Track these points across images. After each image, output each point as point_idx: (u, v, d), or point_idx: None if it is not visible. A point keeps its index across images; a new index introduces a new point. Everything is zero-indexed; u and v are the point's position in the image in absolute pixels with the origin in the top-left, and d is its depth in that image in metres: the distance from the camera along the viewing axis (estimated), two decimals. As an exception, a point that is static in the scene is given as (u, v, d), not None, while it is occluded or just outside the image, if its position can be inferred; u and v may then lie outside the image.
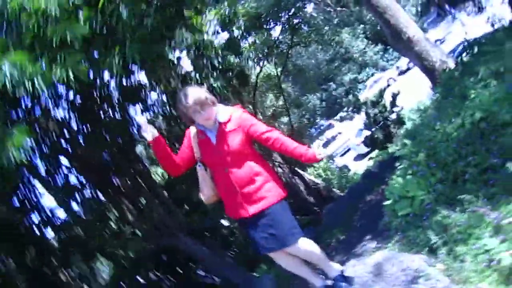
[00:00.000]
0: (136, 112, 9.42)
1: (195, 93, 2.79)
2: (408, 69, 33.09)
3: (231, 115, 2.88)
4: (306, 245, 2.93)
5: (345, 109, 20.15)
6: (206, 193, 2.98)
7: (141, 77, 8.69)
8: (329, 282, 3.07)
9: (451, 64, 10.44)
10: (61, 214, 8.03)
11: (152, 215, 8.03)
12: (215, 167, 2.91)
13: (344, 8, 41.70)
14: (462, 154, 3.39)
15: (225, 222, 10.75)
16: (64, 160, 8.17)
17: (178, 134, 8.25)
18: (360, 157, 24.67)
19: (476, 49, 6.06)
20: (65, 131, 7.82)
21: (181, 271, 9.65)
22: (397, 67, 36.43)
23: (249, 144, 2.90)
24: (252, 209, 2.81)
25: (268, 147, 2.93)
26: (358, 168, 20.23)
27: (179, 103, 2.86)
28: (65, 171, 8.14)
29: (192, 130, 2.96)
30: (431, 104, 6.63)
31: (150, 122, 3.00)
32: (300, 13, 12.82)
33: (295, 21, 12.23)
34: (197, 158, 2.93)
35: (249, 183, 2.82)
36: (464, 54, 7.33)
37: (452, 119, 3.88)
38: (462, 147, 3.43)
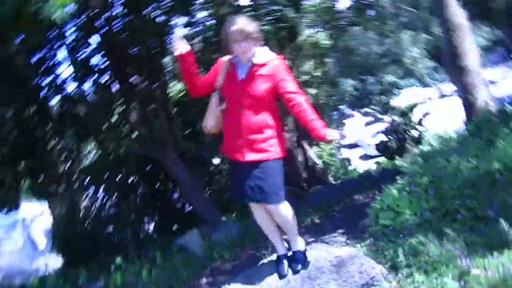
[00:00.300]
0: (177, 24, 9.37)
1: (242, 23, 2.75)
2: (449, 95, 32.46)
3: (269, 60, 2.84)
4: (286, 211, 2.99)
5: (373, 106, 19.80)
6: (209, 122, 2.98)
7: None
8: (289, 254, 3.15)
9: (493, 108, 10.23)
10: (70, 88, 8.15)
11: (154, 125, 8.10)
12: (231, 103, 2.88)
13: (415, 10, 40.44)
14: (463, 194, 3.38)
15: (215, 160, 10.88)
16: (93, 40, 8.19)
17: (210, 62, 8.22)
18: (366, 157, 24.59)
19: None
20: (106, 12, 7.78)
21: (159, 187, 9.85)
22: (439, 89, 35.66)
23: (273, 96, 2.87)
24: (249, 157, 2.83)
25: (287, 108, 2.89)
26: (360, 166, 20.24)
27: (224, 28, 2.82)
28: (90, 51, 8.20)
29: (225, 59, 2.94)
30: (457, 137, 6.54)
31: (186, 38, 2.93)
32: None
33: (365, 1, 11.78)
34: (216, 87, 2.92)
35: (256, 132, 2.82)
36: (509, 105, 7.13)
37: (470, 159, 3.84)
38: (467, 187, 3.41)
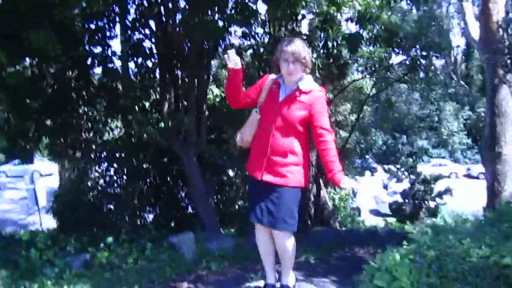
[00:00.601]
0: (236, 33, 9.52)
1: (298, 45, 2.77)
2: (476, 177, 31.93)
3: (312, 89, 2.85)
4: (290, 241, 2.96)
5: (398, 166, 19.58)
6: (244, 136, 2.99)
7: (261, 7, 8.70)
8: (277, 285, 3.10)
9: (518, 203, 9.98)
10: (115, 63, 8.34)
11: (183, 120, 8.18)
12: (265, 121, 2.89)
13: (465, 86, 40.14)
14: (467, 279, 3.28)
15: (230, 172, 10.89)
16: (150, 25, 8.38)
17: (254, 77, 8.31)
18: (376, 213, 24.27)
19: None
20: (169, 2, 7.97)
21: (169, 181, 9.89)
22: (468, 169, 35.15)
23: (305, 125, 2.87)
24: (266, 177, 2.83)
25: (315, 141, 2.88)
26: (368, 220, 19.95)
27: (279, 45, 2.85)
28: (143, 34, 8.40)
29: (271, 77, 2.96)
30: (474, 221, 6.37)
31: (238, 53, 2.97)
32: (426, 59, 12.35)
33: (420, 61, 11.74)
34: (258, 103, 2.94)
35: (280, 154, 2.82)
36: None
37: (483, 247, 3.73)
38: (472, 274, 3.30)
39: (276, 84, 2.90)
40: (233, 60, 2.75)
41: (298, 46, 2.75)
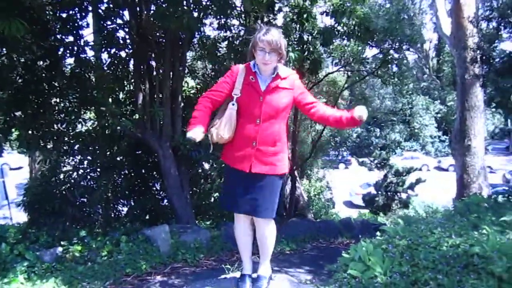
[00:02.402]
0: (211, 24, 9.44)
1: (275, 35, 2.77)
2: (446, 170, 32.74)
3: (289, 75, 2.90)
4: (272, 228, 3.01)
5: (371, 158, 19.90)
6: (223, 133, 2.83)
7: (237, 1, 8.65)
8: (254, 275, 3.12)
9: (485, 194, 10.30)
10: (88, 53, 8.16)
11: (157, 112, 8.08)
12: (248, 114, 2.82)
13: (437, 80, 40.95)
14: (437, 267, 3.37)
15: (206, 165, 10.84)
16: (124, 15, 8.24)
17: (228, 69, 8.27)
18: (350, 205, 24.64)
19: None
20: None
21: (144, 173, 9.78)
22: (439, 161, 35.98)
23: (289, 110, 2.94)
24: (257, 169, 2.83)
25: (310, 116, 2.94)
26: (342, 211, 20.24)
27: (256, 33, 2.84)
28: (117, 24, 8.25)
29: (241, 67, 2.92)
30: (444, 211, 6.55)
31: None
32: (399, 53, 12.53)
33: (393, 55, 11.91)
34: (233, 95, 2.86)
35: (270, 144, 2.83)
36: (501, 196, 7.17)
37: (453, 236, 3.84)
38: (442, 262, 3.40)
39: (251, 75, 2.86)
40: (197, 137, 2.72)
41: (275, 36, 2.75)
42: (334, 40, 9.81)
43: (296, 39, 9.20)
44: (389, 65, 12.74)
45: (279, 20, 9.93)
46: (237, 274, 3.28)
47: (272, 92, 2.82)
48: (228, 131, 2.83)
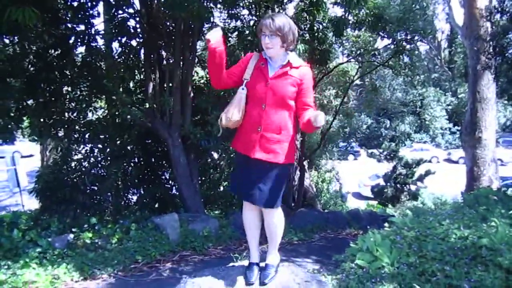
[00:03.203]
0: (221, 14, 9.42)
1: (276, 19, 2.73)
2: (456, 162, 32.54)
3: (301, 65, 2.87)
4: (279, 218, 3.02)
5: (381, 150, 19.81)
6: (233, 117, 2.86)
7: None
8: (262, 264, 3.15)
9: (495, 187, 10.24)
10: (99, 42, 8.20)
11: (167, 102, 8.12)
12: (256, 99, 2.86)
13: (448, 71, 40.50)
14: (445, 259, 3.38)
15: (215, 155, 10.90)
16: (135, 4, 8.25)
17: (239, 59, 8.27)
18: (358, 196, 24.62)
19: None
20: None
21: (154, 162, 9.85)
22: (449, 153, 35.75)
23: (294, 99, 2.88)
24: (259, 155, 2.84)
25: (296, 111, 2.90)
26: (350, 202, 20.24)
27: (262, 19, 2.84)
28: (128, 13, 8.25)
29: (255, 54, 2.96)
30: (453, 203, 6.54)
31: (223, 31, 2.94)
32: (411, 44, 12.41)
33: (405, 46, 11.80)
34: (243, 79, 2.89)
35: (274, 131, 2.84)
36: (511, 189, 7.13)
37: (461, 228, 3.84)
38: (450, 254, 3.41)
39: (263, 61, 2.88)
40: (215, 37, 2.67)
41: (275, 20, 2.72)
42: (345, 30, 9.70)
43: (307, 29, 9.15)
44: (401, 56, 12.64)
45: (290, 9, 9.89)
46: (245, 263, 3.32)
47: (280, 78, 2.82)
48: (237, 113, 2.87)
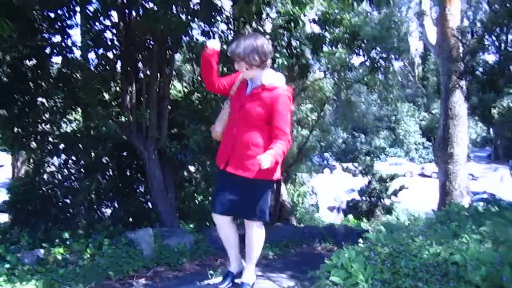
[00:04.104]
0: (199, 28, 9.45)
1: (238, 46, 2.81)
2: (429, 176, 33.18)
3: (277, 87, 2.87)
4: (255, 232, 3.01)
5: (356, 164, 20.08)
6: (216, 128, 3.09)
7: (226, 3, 8.69)
8: (237, 281, 3.14)
9: (466, 202, 10.47)
10: (75, 53, 8.12)
11: (143, 114, 8.05)
12: (232, 114, 3.00)
13: (422, 88, 41.46)
14: (417, 275, 3.43)
15: (192, 168, 10.82)
16: (112, 16, 8.21)
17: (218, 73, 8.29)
18: (334, 209, 24.78)
19: (496, 208, 6.04)
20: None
21: (128, 175, 9.72)
22: (422, 168, 36.43)
23: (267, 120, 2.87)
24: (230, 168, 2.92)
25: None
26: (325, 216, 20.35)
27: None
28: (104, 25, 8.19)
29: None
30: (425, 219, 6.65)
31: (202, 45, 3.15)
32: (386, 61, 12.68)
33: (380, 63, 12.06)
34: (230, 94, 3.03)
35: (244, 147, 2.88)
36: (482, 204, 7.30)
37: (433, 244, 3.90)
38: (422, 270, 3.46)
39: (245, 80, 2.98)
40: (212, 46, 2.85)
41: (236, 46, 2.82)
42: (322, 47, 9.85)
43: (285, 45, 9.25)
44: (376, 73, 12.90)
45: (268, 26, 9.99)
46: (218, 280, 3.30)
47: (251, 98, 2.89)
48: (218, 125, 3.08)
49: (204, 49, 2.88)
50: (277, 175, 3.01)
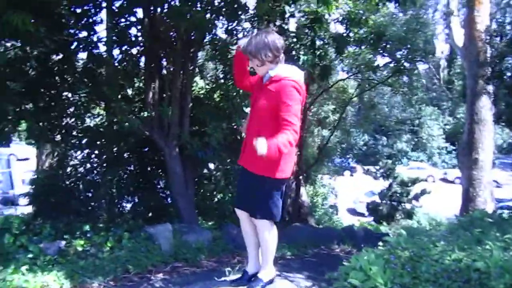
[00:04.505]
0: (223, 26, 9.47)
1: (250, 45, 2.82)
2: (452, 182, 32.56)
3: (283, 78, 2.79)
4: (265, 231, 2.97)
5: (377, 167, 19.85)
6: (244, 125, 3.11)
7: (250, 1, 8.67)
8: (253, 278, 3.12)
9: (490, 209, 10.23)
10: (100, 49, 8.22)
11: (165, 111, 8.09)
12: (250, 109, 3.07)
13: (447, 91, 40.72)
14: (438, 281, 3.36)
15: (212, 166, 10.85)
16: (137, 13, 8.28)
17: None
18: (353, 212, 24.57)
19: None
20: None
21: (149, 171, 9.80)
22: (445, 173, 35.78)
23: (274, 115, 2.77)
24: (242, 161, 2.99)
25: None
26: (345, 218, 20.19)
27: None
28: (130, 21, 8.27)
29: None
30: (447, 224, 6.53)
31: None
32: (411, 63, 12.48)
33: (405, 65, 11.88)
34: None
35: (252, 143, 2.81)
36: (507, 211, 7.14)
37: (456, 250, 3.82)
38: (443, 277, 3.39)
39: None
40: (243, 44, 2.89)
41: (247, 45, 2.83)
42: (347, 47, 9.77)
43: (308, 44, 9.19)
44: (400, 74, 12.73)
45: (292, 24, 9.94)
46: (235, 277, 3.29)
47: (260, 92, 2.89)
48: (245, 123, 3.09)
49: (237, 48, 2.96)
50: (285, 174, 2.90)
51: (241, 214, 3.07)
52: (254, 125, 2.90)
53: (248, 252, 3.20)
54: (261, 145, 2.49)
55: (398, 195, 18.02)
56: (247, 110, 3.25)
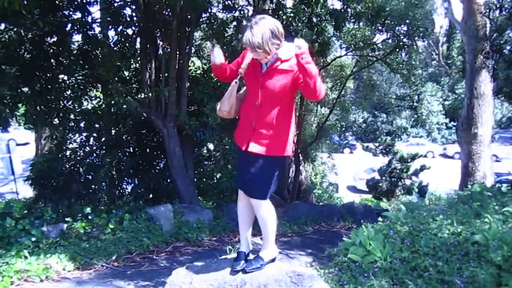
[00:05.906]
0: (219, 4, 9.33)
1: (257, 37, 2.63)
2: (451, 157, 32.65)
3: (291, 57, 2.74)
4: (266, 211, 2.98)
5: (376, 144, 19.83)
6: (225, 106, 2.98)
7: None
8: (251, 256, 3.14)
9: (490, 183, 10.27)
10: (95, 30, 8.11)
11: (163, 91, 8.04)
12: (251, 94, 2.91)
13: (446, 66, 40.46)
14: (437, 254, 3.38)
15: (211, 146, 10.84)
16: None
17: (237, 49, 8.22)
18: (353, 189, 24.68)
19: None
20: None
21: (148, 152, 9.80)
22: (444, 148, 35.83)
23: (290, 92, 2.82)
24: (252, 148, 2.86)
25: (303, 90, 2.77)
26: (345, 196, 20.29)
27: (242, 32, 2.77)
28: (124, 3, 8.15)
29: None
30: (447, 199, 6.55)
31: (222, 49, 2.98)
32: (412, 41, 12.33)
33: (403, 40, 11.75)
34: (239, 73, 2.89)
35: (267, 127, 2.83)
36: (506, 185, 7.15)
37: (454, 223, 3.84)
38: (442, 250, 3.41)
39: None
40: (218, 56, 2.83)
41: (253, 36, 2.63)
42: (345, 23, 9.60)
43: (305, 21, 9.08)
44: (399, 51, 12.60)
45: (289, 2, 9.82)
46: (235, 255, 3.31)
47: (270, 75, 2.79)
48: (226, 104, 2.97)
49: (212, 63, 2.89)
50: (291, 150, 2.97)
51: (243, 196, 3.08)
52: (265, 110, 2.81)
53: (241, 232, 3.20)
54: (305, 45, 2.54)
55: (397, 171, 18.08)
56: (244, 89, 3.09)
